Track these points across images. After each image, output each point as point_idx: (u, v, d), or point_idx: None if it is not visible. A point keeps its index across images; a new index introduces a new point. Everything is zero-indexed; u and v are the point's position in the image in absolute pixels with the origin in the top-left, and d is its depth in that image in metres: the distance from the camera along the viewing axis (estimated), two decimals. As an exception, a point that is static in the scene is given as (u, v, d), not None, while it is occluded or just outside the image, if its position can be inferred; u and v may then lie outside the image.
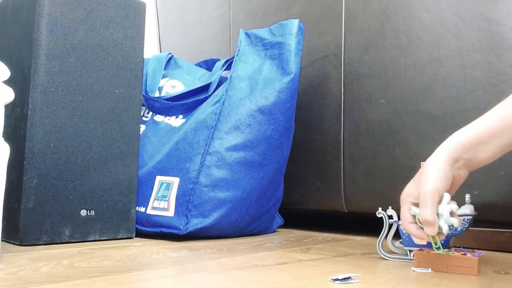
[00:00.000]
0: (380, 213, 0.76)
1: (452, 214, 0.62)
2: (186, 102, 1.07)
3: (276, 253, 0.77)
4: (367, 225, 1.17)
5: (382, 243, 0.75)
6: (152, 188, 0.97)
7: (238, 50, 1.06)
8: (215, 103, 1.00)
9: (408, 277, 0.59)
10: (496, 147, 0.63)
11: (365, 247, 0.88)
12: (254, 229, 1.03)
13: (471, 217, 0.72)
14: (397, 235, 0.74)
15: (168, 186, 0.95)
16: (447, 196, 0.62)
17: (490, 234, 0.87)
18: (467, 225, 0.71)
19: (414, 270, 0.64)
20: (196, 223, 0.91)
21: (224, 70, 1.10)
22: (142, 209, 0.96)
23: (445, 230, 0.61)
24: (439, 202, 0.62)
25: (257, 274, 0.59)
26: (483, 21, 0.88)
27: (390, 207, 0.75)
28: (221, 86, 1.04)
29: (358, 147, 1.05)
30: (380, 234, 0.75)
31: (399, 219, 0.74)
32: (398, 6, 1.00)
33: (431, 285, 0.55)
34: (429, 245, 0.70)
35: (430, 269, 0.64)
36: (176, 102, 1.09)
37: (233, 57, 1.10)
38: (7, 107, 0.84)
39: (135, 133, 0.92)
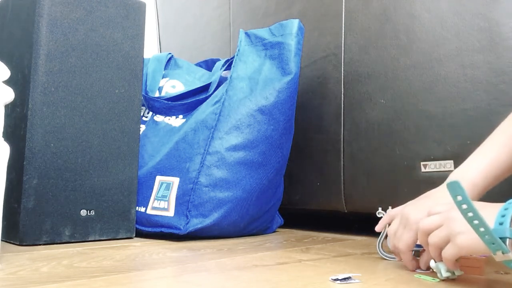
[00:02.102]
0: (380, 213, 0.76)
1: None
2: (186, 102, 1.07)
3: (276, 253, 0.77)
4: (367, 225, 1.17)
5: (382, 243, 0.75)
6: (152, 188, 0.97)
7: (238, 50, 1.06)
8: (215, 103, 1.00)
9: (408, 277, 0.59)
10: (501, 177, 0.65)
11: (365, 247, 0.88)
12: (254, 229, 1.03)
13: None
14: (397, 235, 0.74)
15: (168, 186, 0.95)
16: None
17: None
18: None
19: (417, 271, 0.64)
20: (196, 223, 0.91)
21: (224, 70, 1.10)
22: (142, 209, 0.96)
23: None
24: None
25: (257, 274, 0.59)
26: (483, 21, 0.88)
27: (390, 207, 0.75)
28: (221, 86, 1.04)
29: (358, 147, 1.05)
30: (380, 234, 0.75)
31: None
32: (398, 6, 1.00)
33: (432, 285, 0.55)
34: None
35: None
36: (176, 102, 1.09)
37: (233, 57, 1.10)
38: (7, 107, 0.84)
39: (135, 133, 0.92)
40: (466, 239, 0.51)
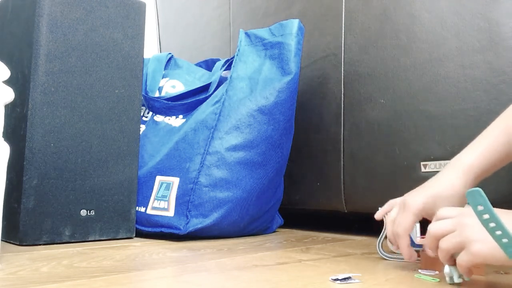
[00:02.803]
0: (380, 213, 0.75)
1: None
2: (186, 102, 1.07)
3: (276, 253, 0.77)
4: (367, 225, 1.17)
5: (382, 243, 0.75)
6: (152, 188, 0.97)
7: (238, 50, 1.06)
8: (215, 103, 1.00)
9: (408, 277, 0.59)
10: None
11: (365, 247, 0.88)
12: (254, 229, 1.03)
13: None
14: (397, 235, 0.74)
15: (168, 186, 0.95)
16: None
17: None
18: None
19: (420, 272, 0.63)
20: (196, 223, 0.91)
21: (224, 70, 1.10)
22: (142, 209, 0.96)
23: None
24: None
25: (257, 274, 0.59)
26: (483, 21, 0.88)
27: (390, 207, 0.74)
28: (221, 86, 1.04)
29: (358, 147, 1.05)
30: (380, 234, 0.75)
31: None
32: (398, 6, 1.00)
33: (432, 285, 0.55)
34: None
35: (437, 272, 0.63)
36: (176, 102, 1.09)
37: (233, 57, 1.10)
38: (7, 107, 0.84)
39: (135, 133, 0.92)
40: (482, 248, 0.49)
